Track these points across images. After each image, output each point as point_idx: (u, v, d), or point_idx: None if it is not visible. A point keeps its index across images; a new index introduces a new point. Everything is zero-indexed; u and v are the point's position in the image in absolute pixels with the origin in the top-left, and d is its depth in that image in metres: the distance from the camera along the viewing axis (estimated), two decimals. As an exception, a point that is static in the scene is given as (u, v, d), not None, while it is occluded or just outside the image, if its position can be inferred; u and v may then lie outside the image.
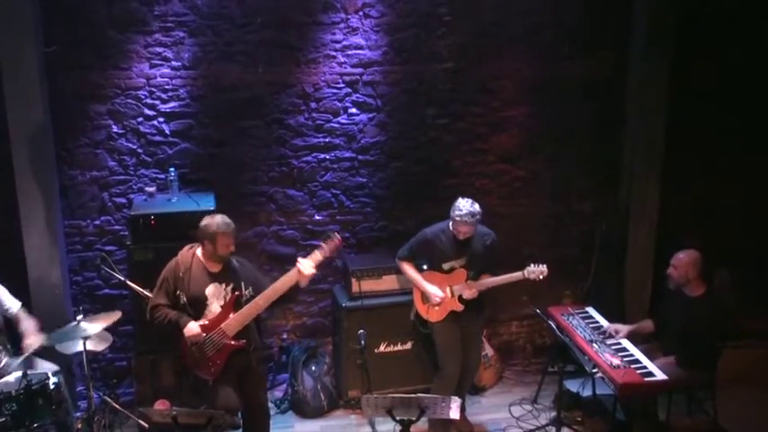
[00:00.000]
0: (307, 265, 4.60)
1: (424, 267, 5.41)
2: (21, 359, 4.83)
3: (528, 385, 6.21)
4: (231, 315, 4.63)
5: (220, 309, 4.64)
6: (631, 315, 5.98)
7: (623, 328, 5.35)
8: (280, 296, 4.64)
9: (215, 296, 4.64)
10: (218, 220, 4.61)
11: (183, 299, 4.62)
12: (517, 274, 5.18)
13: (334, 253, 4.90)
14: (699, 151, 6.37)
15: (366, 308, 5.71)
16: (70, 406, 4.95)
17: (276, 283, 4.64)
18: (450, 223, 5.18)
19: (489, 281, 5.25)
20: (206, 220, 4.64)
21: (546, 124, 6.35)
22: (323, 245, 4.70)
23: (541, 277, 5.14)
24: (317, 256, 4.68)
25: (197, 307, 4.64)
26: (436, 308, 5.30)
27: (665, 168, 6.24)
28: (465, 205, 5.08)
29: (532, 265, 5.15)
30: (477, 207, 5.10)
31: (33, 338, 4.90)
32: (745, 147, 6.47)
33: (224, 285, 4.66)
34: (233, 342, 4.62)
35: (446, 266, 5.28)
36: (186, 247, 4.74)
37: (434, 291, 5.26)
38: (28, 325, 4.96)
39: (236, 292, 4.67)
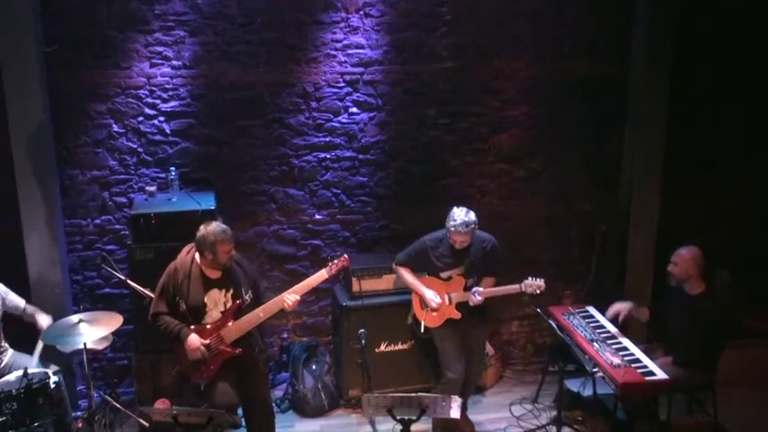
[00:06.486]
0: (291, 299, 4.62)
1: (426, 274, 5.39)
2: (38, 351, 4.91)
3: (528, 385, 6.21)
4: (230, 323, 4.59)
5: (220, 315, 4.60)
6: (631, 315, 5.98)
7: (623, 307, 5.30)
8: (280, 309, 4.66)
9: (215, 303, 4.60)
10: (214, 229, 4.47)
11: (183, 306, 4.57)
12: (514, 287, 5.16)
13: (340, 273, 5.00)
14: (699, 151, 6.38)
15: (367, 307, 5.71)
16: (68, 405, 4.95)
17: (276, 298, 4.65)
18: (446, 233, 5.15)
19: (487, 291, 5.20)
20: (202, 231, 4.50)
21: (546, 124, 6.35)
22: (330, 265, 4.79)
23: (538, 292, 5.11)
24: (323, 274, 4.74)
25: (196, 314, 4.59)
26: (434, 314, 5.26)
27: (665, 168, 6.25)
28: (459, 215, 5.03)
29: (530, 279, 5.14)
30: (471, 216, 5.04)
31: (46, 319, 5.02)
32: (745, 147, 6.49)
33: (224, 291, 4.60)
34: (229, 349, 4.59)
35: (444, 275, 5.26)
36: (185, 250, 4.66)
37: (432, 295, 5.22)
38: (39, 316, 5.07)
39: (238, 300, 4.60)
